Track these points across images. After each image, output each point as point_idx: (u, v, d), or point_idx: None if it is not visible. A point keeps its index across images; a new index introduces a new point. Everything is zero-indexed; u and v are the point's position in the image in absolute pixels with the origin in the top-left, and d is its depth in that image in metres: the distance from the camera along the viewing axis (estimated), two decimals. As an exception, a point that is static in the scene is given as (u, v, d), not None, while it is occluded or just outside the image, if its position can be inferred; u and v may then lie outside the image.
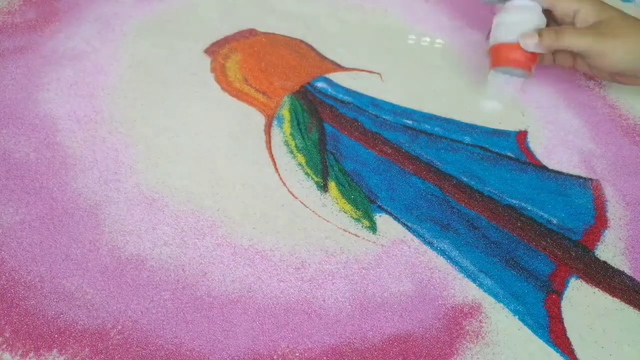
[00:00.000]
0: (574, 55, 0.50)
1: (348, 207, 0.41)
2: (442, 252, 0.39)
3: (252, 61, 0.52)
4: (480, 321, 0.36)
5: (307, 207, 0.41)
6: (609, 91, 0.54)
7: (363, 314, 0.35)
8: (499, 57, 0.48)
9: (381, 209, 0.41)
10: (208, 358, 0.32)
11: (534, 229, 0.41)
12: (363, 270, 0.38)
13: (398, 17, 0.61)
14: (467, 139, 0.48)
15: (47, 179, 0.40)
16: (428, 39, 0.58)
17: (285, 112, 0.48)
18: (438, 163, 0.45)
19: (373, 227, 0.40)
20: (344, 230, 0.40)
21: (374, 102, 0.50)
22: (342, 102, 0.49)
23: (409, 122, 0.49)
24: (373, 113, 0.49)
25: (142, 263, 0.36)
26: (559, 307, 0.37)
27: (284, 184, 0.42)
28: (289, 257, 0.38)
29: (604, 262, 0.40)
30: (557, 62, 0.51)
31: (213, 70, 0.51)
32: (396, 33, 0.58)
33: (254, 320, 0.34)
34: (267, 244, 0.38)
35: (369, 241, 0.39)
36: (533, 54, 0.47)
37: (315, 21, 0.58)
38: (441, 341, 0.34)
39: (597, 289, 0.38)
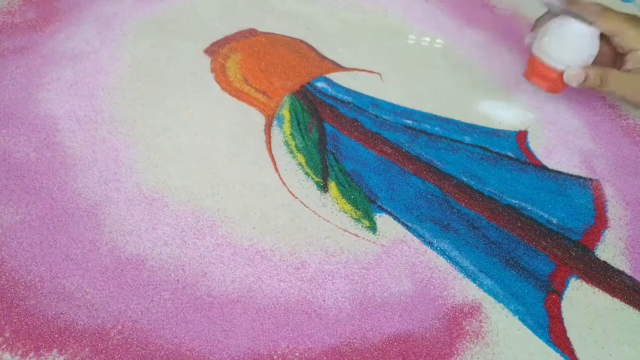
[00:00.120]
0: None
1: (348, 207, 0.41)
2: (442, 252, 0.39)
3: (252, 61, 0.52)
4: (480, 321, 0.36)
5: (307, 207, 0.41)
6: (609, 91, 0.54)
7: (363, 314, 0.35)
8: (536, 73, 0.47)
9: (381, 209, 0.41)
10: (208, 358, 0.32)
11: (534, 229, 0.41)
12: (363, 270, 0.38)
13: (398, 17, 0.61)
14: (467, 139, 0.48)
15: (47, 179, 0.40)
16: (428, 39, 0.58)
17: (285, 112, 0.48)
18: (438, 163, 0.45)
19: (373, 227, 0.40)
20: (344, 230, 0.40)
21: (374, 102, 0.50)
22: (342, 102, 0.49)
23: (409, 122, 0.49)
24: (373, 113, 0.49)
25: (142, 263, 0.36)
26: (559, 307, 0.37)
27: (284, 184, 0.42)
28: (289, 257, 0.38)
29: (604, 262, 0.40)
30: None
31: (213, 70, 0.51)
32: (396, 33, 0.58)
33: (254, 320, 0.34)
34: (267, 244, 0.38)
35: (369, 241, 0.39)
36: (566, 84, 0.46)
37: (315, 21, 0.58)
38: (441, 341, 0.34)
39: (597, 289, 0.38)
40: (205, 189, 0.41)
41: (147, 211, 0.39)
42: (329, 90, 0.50)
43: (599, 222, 0.42)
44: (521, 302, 0.37)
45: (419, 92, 0.52)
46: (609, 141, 0.49)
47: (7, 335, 0.32)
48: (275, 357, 0.33)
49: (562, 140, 0.49)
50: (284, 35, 0.56)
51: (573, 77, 0.45)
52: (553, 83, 0.47)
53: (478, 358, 0.34)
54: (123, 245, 0.37)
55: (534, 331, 0.35)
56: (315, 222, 0.40)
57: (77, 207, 0.39)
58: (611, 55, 0.47)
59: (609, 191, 0.45)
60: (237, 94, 0.49)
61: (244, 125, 0.46)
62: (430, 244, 0.40)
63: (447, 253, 0.39)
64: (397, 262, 0.38)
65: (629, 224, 0.42)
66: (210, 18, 0.57)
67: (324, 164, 0.44)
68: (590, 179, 0.45)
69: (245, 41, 0.54)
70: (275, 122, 0.47)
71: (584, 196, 0.44)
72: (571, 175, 0.46)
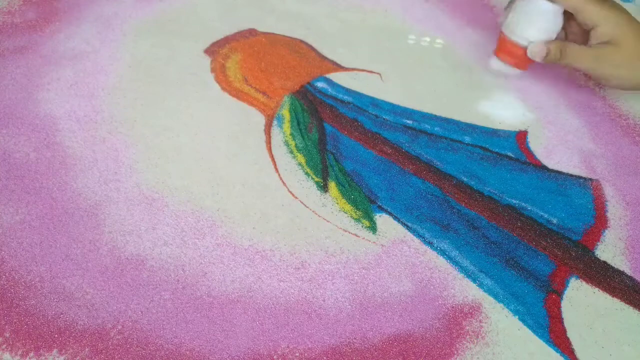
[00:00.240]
0: None
1: (348, 207, 0.41)
2: (442, 252, 0.39)
3: (252, 61, 0.52)
4: (480, 321, 0.36)
5: (307, 207, 0.41)
6: (609, 91, 0.54)
7: (363, 314, 0.35)
8: (504, 50, 0.49)
9: (381, 209, 0.41)
10: (208, 358, 0.32)
11: (534, 229, 0.41)
12: (363, 270, 0.38)
13: (398, 17, 0.61)
14: (467, 139, 0.48)
15: (47, 179, 0.40)
16: (428, 39, 0.58)
17: (285, 112, 0.48)
18: (438, 163, 0.45)
19: (373, 227, 0.40)
20: (344, 230, 0.40)
21: (374, 102, 0.50)
22: (342, 102, 0.49)
23: (409, 122, 0.49)
24: (373, 113, 0.49)
25: (142, 263, 0.36)
26: (559, 307, 0.37)
27: (284, 184, 0.42)
28: (289, 257, 0.38)
29: (604, 262, 0.40)
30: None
31: (213, 70, 0.51)
32: (396, 33, 0.58)
33: (254, 320, 0.34)
34: (267, 244, 0.38)
35: (369, 241, 0.39)
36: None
37: (315, 21, 0.58)
38: (441, 341, 0.34)
39: (597, 289, 0.38)
40: (205, 189, 0.41)
41: (147, 211, 0.39)
42: (329, 90, 0.50)
43: (599, 222, 0.42)
44: (521, 302, 0.37)
45: (419, 92, 0.52)
46: (609, 141, 0.49)
47: (7, 335, 0.32)
48: (275, 357, 0.33)
49: (562, 140, 0.49)
50: (284, 35, 0.56)
51: (536, 52, 0.47)
52: (519, 59, 0.49)
53: (478, 358, 0.34)
54: (123, 245, 0.37)
55: (534, 331, 0.36)
56: (315, 222, 0.40)
57: (77, 207, 0.39)
58: (581, 33, 0.49)
59: (609, 191, 0.45)
60: (237, 94, 0.49)
61: (244, 125, 0.46)
62: (430, 244, 0.40)
63: (447, 253, 0.39)
64: (397, 262, 0.38)
65: (629, 224, 0.42)
66: (210, 18, 0.57)
67: (324, 164, 0.44)
68: (590, 179, 0.45)
69: (245, 41, 0.54)
70: (275, 122, 0.47)
71: (584, 196, 0.44)
72: (571, 175, 0.46)
